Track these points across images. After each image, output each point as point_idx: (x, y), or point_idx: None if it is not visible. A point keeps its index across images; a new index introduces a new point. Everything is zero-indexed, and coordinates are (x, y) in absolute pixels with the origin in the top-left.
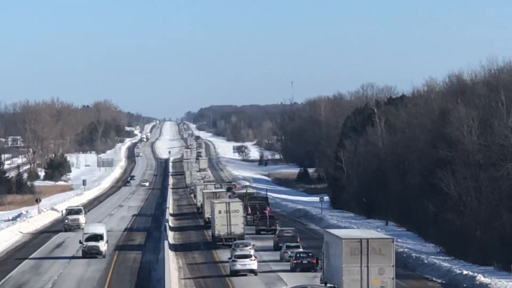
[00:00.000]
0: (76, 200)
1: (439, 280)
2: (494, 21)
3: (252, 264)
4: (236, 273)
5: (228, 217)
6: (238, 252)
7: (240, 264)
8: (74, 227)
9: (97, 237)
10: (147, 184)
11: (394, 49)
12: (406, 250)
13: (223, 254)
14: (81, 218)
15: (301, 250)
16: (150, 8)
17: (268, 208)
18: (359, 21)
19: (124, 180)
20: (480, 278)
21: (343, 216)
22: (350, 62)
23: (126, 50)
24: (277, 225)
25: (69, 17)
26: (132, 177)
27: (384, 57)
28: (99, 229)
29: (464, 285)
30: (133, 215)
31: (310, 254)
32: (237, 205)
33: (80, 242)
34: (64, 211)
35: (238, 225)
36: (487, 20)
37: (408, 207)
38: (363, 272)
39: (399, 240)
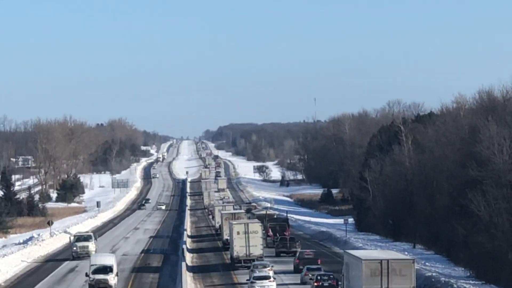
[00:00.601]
0: (90, 222)
1: None
2: None
3: (271, 286)
4: None
5: (247, 238)
6: (257, 274)
7: (258, 286)
8: (83, 255)
9: (106, 269)
10: (163, 207)
11: (421, 64)
12: (434, 274)
13: (242, 276)
14: (91, 245)
15: (322, 272)
16: (168, 24)
17: (288, 230)
18: (385, 36)
19: (139, 203)
20: None
21: (369, 239)
22: (376, 78)
23: (142, 66)
24: (298, 247)
25: (83, 34)
26: (147, 200)
27: (411, 73)
28: (108, 260)
29: None
30: (150, 238)
31: (332, 276)
32: (256, 226)
33: (87, 275)
34: (72, 237)
35: (257, 246)
36: None
37: (436, 229)
38: None
39: (427, 263)
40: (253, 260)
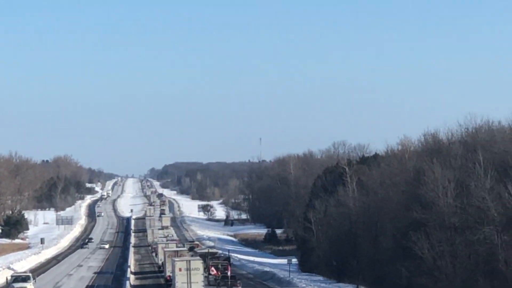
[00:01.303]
0: (34, 259)
1: None
2: (472, 78)
3: None
4: None
5: (189, 275)
6: None
7: None
8: None
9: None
10: (106, 246)
11: (367, 106)
12: None
13: None
14: (29, 287)
15: None
16: (114, 62)
17: (230, 268)
18: (331, 77)
19: (81, 242)
20: None
21: (312, 280)
22: (321, 120)
23: (87, 104)
24: (239, 285)
25: (28, 69)
26: (90, 239)
27: (357, 114)
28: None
29: None
30: (93, 275)
31: None
32: (197, 263)
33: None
34: (9, 278)
35: (198, 283)
36: (465, 77)
37: (380, 271)
38: None
39: None
40: None
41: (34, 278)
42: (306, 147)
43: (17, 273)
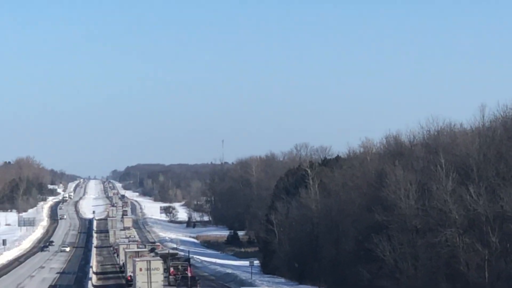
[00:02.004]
0: None
1: None
2: (434, 80)
3: None
4: None
5: (149, 275)
6: None
7: None
8: None
9: None
10: (67, 249)
11: (329, 108)
12: None
13: None
14: None
15: None
16: (76, 63)
17: (190, 269)
18: (293, 78)
19: (42, 245)
20: None
21: (274, 281)
22: (283, 121)
23: (50, 105)
24: (199, 285)
25: None
26: (51, 242)
27: (319, 116)
28: None
29: None
30: (55, 276)
31: None
32: (157, 263)
33: None
34: None
35: (158, 282)
36: (426, 79)
37: (342, 273)
38: None
39: None
40: None
41: None
42: (268, 149)
43: None
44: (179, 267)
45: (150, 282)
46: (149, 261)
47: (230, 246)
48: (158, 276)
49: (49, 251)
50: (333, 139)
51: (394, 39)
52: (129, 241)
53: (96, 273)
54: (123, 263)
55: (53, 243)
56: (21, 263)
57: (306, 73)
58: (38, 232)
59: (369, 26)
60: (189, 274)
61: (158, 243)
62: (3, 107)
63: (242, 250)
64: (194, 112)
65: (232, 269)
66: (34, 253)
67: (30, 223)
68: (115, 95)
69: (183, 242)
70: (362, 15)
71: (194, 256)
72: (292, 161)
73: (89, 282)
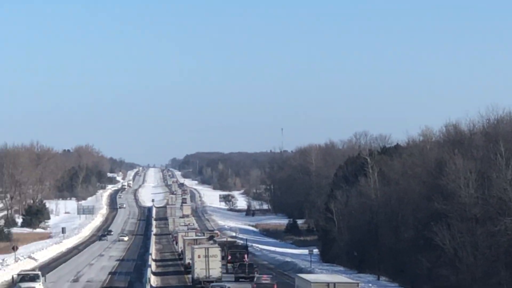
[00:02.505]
0: (55, 248)
1: None
2: (494, 69)
3: None
4: None
5: (207, 261)
6: None
7: None
8: None
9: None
10: (125, 238)
11: (389, 96)
12: None
13: None
14: (38, 287)
15: None
16: (136, 52)
17: (247, 256)
18: (353, 67)
19: (100, 234)
20: None
21: (333, 270)
22: (343, 110)
23: (110, 93)
24: (256, 272)
25: (51, 59)
26: (109, 232)
27: (379, 105)
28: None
29: None
30: (114, 265)
31: None
32: (215, 250)
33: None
34: (15, 276)
35: (216, 269)
36: (486, 68)
37: (401, 261)
38: None
39: None
40: (212, 282)
41: (44, 276)
42: (327, 137)
43: (24, 271)
44: (237, 254)
45: (208, 269)
46: (207, 248)
47: (289, 235)
48: (216, 263)
49: (107, 240)
50: (392, 128)
51: (454, 27)
52: (188, 229)
53: (155, 260)
54: (181, 251)
55: (112, 233)
56: (80, 251)
57: (366, 61)
58: (97, 220)
59: (429, 14)
60: (247, 262)
61: (216, 231)
62: (63, 95)
63: (301, 238)
64: (254, 100)
65: (291, 258)
66: (93, 242)
67: (89, 211)
68: (177, 82)
69: (242, 231)
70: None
71: (253, 244)
72: (351, 149)
73: (148, 269)
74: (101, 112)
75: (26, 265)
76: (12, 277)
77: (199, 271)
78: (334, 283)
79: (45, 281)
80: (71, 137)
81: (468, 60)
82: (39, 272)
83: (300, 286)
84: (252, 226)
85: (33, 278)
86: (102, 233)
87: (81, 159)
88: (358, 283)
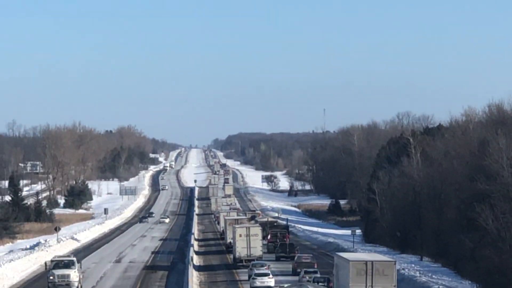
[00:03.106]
0: (97, 229)
1: None
2: None
3: (270, 282)
4: None
5: (248, 241)
6: (256, 271)
7: (259, 282)
8: (63, 287)
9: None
10: (166, 220)
11: (431, 77)
12: (441, 287)
13: (243, 274)
14: (73, 274)
15: (318, 275)
16: (180, 32)
17: (288, 236)
18: (395, 48)
19: (142, 215)
20: None
21: (376, 251)
22: (386, 90)
23: (152, 74)
24: (297, 252)
25: (93, 41)
26: (150, 214)
27: (421, 85)
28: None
29: None
30: (157, 246)
31: (327, 278)
32: (256, 230)
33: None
34: (48, 263)
35: (257, 248)
36: None
37: (444, 242)
38: None
39: (434, 276)
40: (253, 260)
41: (79, 263)
42: (370, 117)
43: (58, 257)
44: (278, 234)
45: (249, 248)
46: (249, 227)
47: (331, 215)
48: (257, 242)
49: (148, 222)
50: (435, 108)
51: (497, 6)
52: (230, 209)
53: (197, 240)
54: (223, 230)
55: (153, 215)
56: (122, 232)
57: (407, 42)
58: (139, 201)
59: None
60: (287, 241)
61: (258, 211)
62: (105, 76)
63: (344, 219)
64: (296, 81)
65: (334, 238)
66: (135, 223)
67: (132, 192)
68: (218, 64)
69: (285, 211)
70: None
71: (296, 225)
72: (394, 129)
73: (191, 248)
74: (144, 93)
75: (69, 246)
76: (45, 264)
77: (240, 250)
78: (372, 261)
79: (80, 267)
80: (113, 118)
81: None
82: (74, 258)
83: (338, 264)
84: (295, 206)
85: (68, 265)
86: (143, 214)
87: (123, 140)
88: (395, 261)
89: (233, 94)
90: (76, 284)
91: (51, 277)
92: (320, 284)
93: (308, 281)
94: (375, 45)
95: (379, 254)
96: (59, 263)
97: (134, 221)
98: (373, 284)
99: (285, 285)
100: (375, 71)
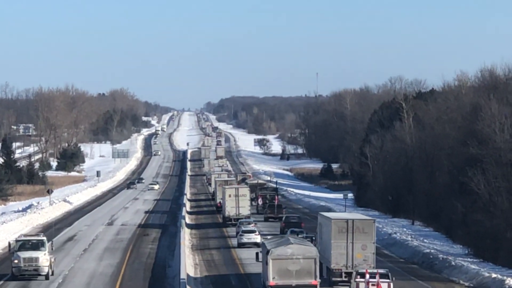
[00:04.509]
0: (89, 192)
1: (466, 283)
2: None
3: (256, 238)
4: (242, 245)
5: (237, 201)
6: (243, 228)
7: (246, 238)
8: (30, 273)
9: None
10: (156, 187)
11: (424, 41)
12: (433, 251)
13: (231, 231)
14: (43, 258)
15: (304, 234)
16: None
17: (277, 198)
18: (388, 12)
19: (130, 181)
20: (510, 282)
21: (368, 215)
22: (378, 54)
23: (145, 37)
24: (284, 213)
25: (87, 2)
26: (140, 179)
27: (414, 49)
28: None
29: None
30: (149, 208)
31: (313, 238)
32: (244, 190)
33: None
34: (12, 243)
35: (245, 207)
36: None
37: (436, 206)
38: (349, 247)
39: (425, 240)
40: (241, 219)
41: (50, 242)
42: (362, 82)
43: (25, 235)
44: (267, 196)
45: (238, 207)
46: (237, 188)
47: (323, 179)
48: (245, 202)
49: (136, 189)
50: (427, 72)
51: None
52: (222, 170)
53: (190, 200)
54: (214, 191)
55: (143, 180)
56: (114, 194)
57: (401, 5)
58: (132, 163)
59: None
60: (276, 203)
61: (249, 174)
62: (98, 38)
63: (336, 183)
64: (289, 45)
65: (326, 202)
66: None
67: (124, 155)
68: (211, 27)
69: (277, 175)
70: None
71: (288, 189)
72: (386, 94)
73: (183, 209)
74: (136, 56)
75: (61, 208)
76: (9, 244)
77: (229, 209)
78: (353, 220)
79: (52, 248)
80: (105, 80)
81: (504, 4)
82: (44, 238)
83: (322, 223)
84: (287, 170)
85: (36, 246)
86: (135, 177)
87: (116, 102)
88: (374, 220)
89: (226, 58)
90: (46, 269)
91: (16, 261)
92: None
93: None
94: (366, 10)
95: (359, 213)
96: (25, 244)
97: (126, 185)
98: (354, 241)
99: (268, 237)
100: (367, 34)
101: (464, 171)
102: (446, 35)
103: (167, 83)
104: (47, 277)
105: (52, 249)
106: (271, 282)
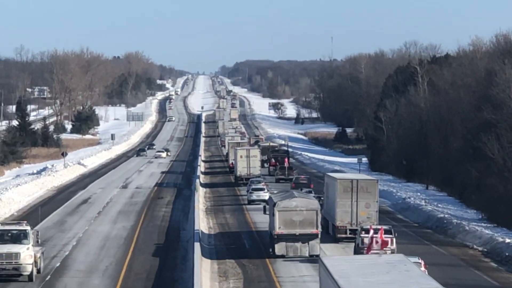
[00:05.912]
0: (104, 155)
1: (480, 248)
2: None
3: (265, 196)
4: (252, 202)
5: (248, 161)
6: (253, 186)
7: (255, 195)
8: (9, 272)
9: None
10: (163, 154)
11: (439, 5)
12: (447, 216)
13: (243, 190)
14: (25, 253)
15: (312, 194)
16: None
17: (287, 160)
18: None
19: (140, 148)
20: None
21: (382, 179)
22: (393, 19)
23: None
24: (295, 174)
25: None
26: (151, 145)
27: (429, 14)
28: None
29: (506, 254)
30: (163, 172)
31: (321, 197)
32: (255, 151)
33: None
34: None
35: (256, 168)
36: None
37: (450, 171)
38: (353, 205)
39: (439, 205)
40: (252, 178)
41: (35, 232)
42: (377, 46)
43: (2, 224)
44: (279, 158)
45: (249, 167)
46: (248, 149)
47: (338, 143)
48: (256, 162)
49: (146, 156)
50: (442, 37)
51: None
52: (235, 132)
53: (204, 161)
54: (226, 153)
55: (154, 146)
56: (129, 158)
57: None
58: (146, 127)
59: None
60: (286, 165)
61: (261, 136)
62: (113, 1)
63: (350, 147)
64: (304, 8)
65: (340, 166)
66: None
67: (139, 118)
68: None
69: (291, 139)
70: None
71: (303, 153)
72: (401, 58)
73: (198, 167)
74: (152, 19)
75: (75, 171)
76: None
77: (241, 169)
78: (357, 180)
79: (38, 241)
80: (120, 43)
81: None
82: (28, 227)
83: (328, 182)
84: (301, 134)
85: (17, 238)
86: (145, 144)
87: (131, 65)
88: (377, 180)
89: (241, 21)
90: (29, 267)
91: None
92: None
93: None
94: None
95: (363, 174)
96: (3, 235)
97: (141, 147)
98: (358, 200)
99: (275, 191)
100: None
101: (478, 136)
102: (461, 0)
103: (182, 47)
104: (30, 277)
105: (38, 241)
106: (277, 231)
